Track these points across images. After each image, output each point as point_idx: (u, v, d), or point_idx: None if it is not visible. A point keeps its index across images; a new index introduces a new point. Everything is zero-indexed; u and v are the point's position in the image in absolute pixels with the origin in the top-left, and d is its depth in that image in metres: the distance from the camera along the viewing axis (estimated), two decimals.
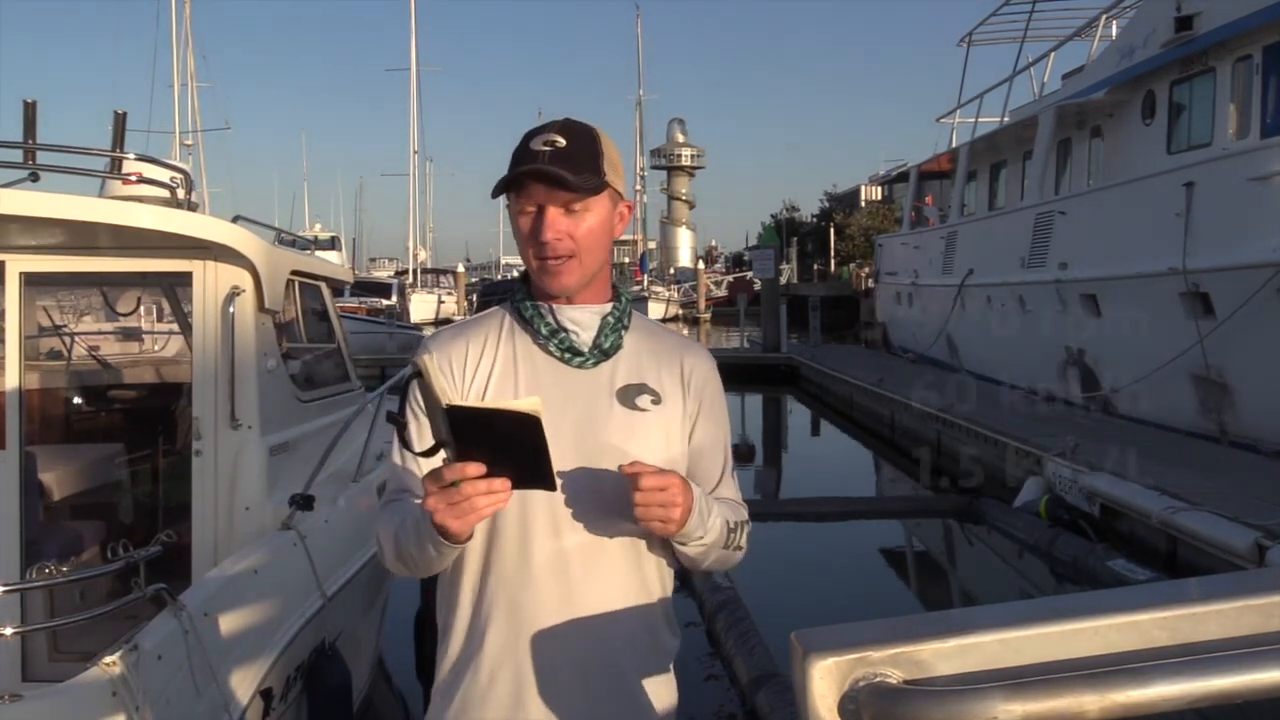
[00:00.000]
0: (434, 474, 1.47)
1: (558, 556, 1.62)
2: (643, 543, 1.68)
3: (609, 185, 1.68)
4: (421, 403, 1.59)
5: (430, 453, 1.50)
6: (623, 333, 1.73)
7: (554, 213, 1.63)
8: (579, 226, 1.65)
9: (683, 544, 1.63)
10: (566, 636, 1.62)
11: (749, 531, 1.76)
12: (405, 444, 1.64)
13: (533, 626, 1.63)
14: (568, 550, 1.62)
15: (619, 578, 1.66)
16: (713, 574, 6.86)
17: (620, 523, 1.63)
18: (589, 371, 1.69)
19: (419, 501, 1.55)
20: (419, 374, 1.48)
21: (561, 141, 1.63)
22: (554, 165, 1.60)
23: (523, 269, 1.82)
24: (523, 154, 1.63)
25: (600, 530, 1.64)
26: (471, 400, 1.64)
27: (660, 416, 1.70)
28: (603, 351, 1.70)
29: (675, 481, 1.54)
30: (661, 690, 1.72)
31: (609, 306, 1.73)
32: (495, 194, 1.67)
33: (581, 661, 1.63)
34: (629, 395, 1.69)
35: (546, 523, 1.63)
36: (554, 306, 1.71)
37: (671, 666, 1.76)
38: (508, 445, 1.41)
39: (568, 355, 1.68)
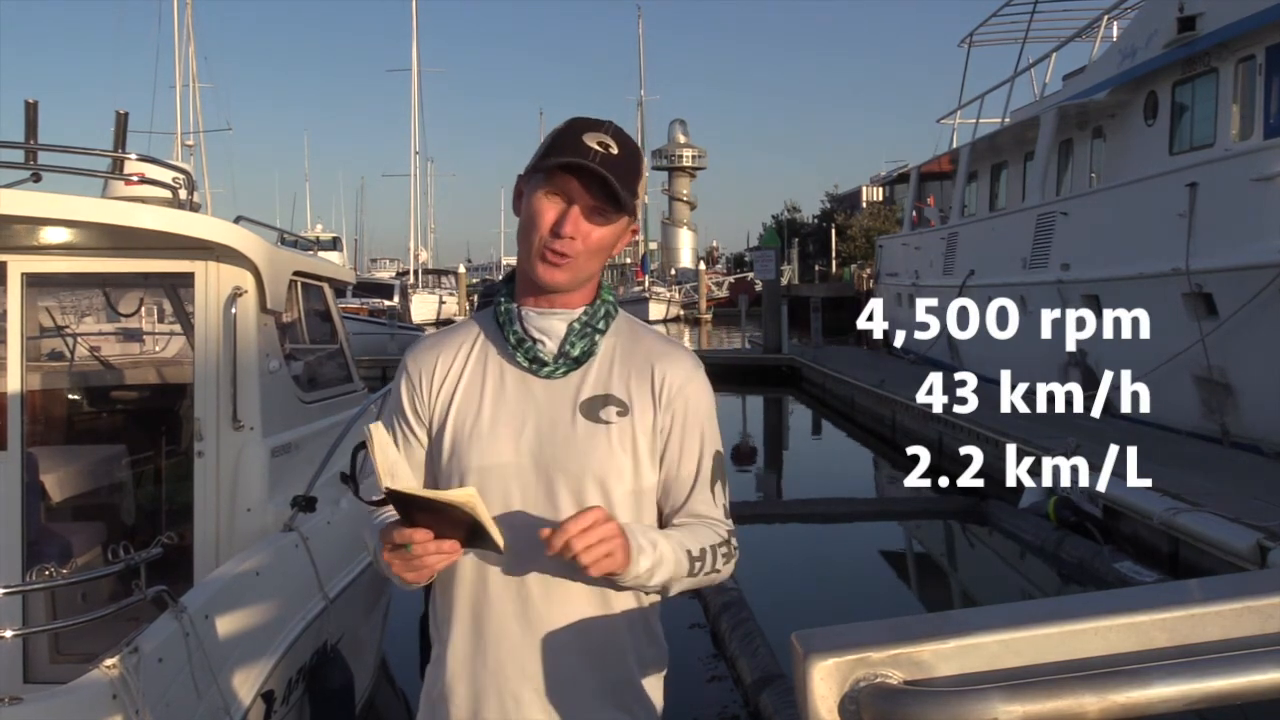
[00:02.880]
0: (386, 532, 1.49)
1: (515, 572, 1.60)
2: None
3: (634, 209, 1.66)
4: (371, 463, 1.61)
5: (383, 503, 1.54)
6: (596, 337, 1.66)
7: (578, 212, 1.60)
8: (593, 234, 1.62)
9: (637, 584, 1.55)
10: (525, 652, 1.61)
11: (728, 552, 1.67)
12: (359, 498, 1.66)
13: (492, 641, 1.62)
14: (525, 566, 1.59)
15: (578, 594, 1.61)
16: None
17: (593, 575, 1.59)
18: (557, 382, 1.65)
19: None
20: (363, 446, 1.55)
21: (615, 149, 1.59)
22: (605, 169, 1.58)
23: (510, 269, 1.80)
24: (575, 145, 1.59)
25: None
26: (437, 412, 1.68)
27: (625, 428, 1.63)
28: (573, 359, 1.65)
29: (599, 514, 1.47)
30: (631, 704, 1.67)
31: (579, 311, 1.67)
32: (537, 169, 1.62)
33: (541, 677, 1.61)
34: (593, 407, 1.63)
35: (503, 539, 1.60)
36: (525, 312, 1.67)
37: (649, 682, 1.70)
38: (450, 518, 1.45)
39: (534, 366, 1.65)
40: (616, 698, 1.65)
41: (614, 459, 1.62)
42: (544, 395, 1.65)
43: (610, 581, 1.59)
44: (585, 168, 1.57)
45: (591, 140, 1.59)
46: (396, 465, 1.64)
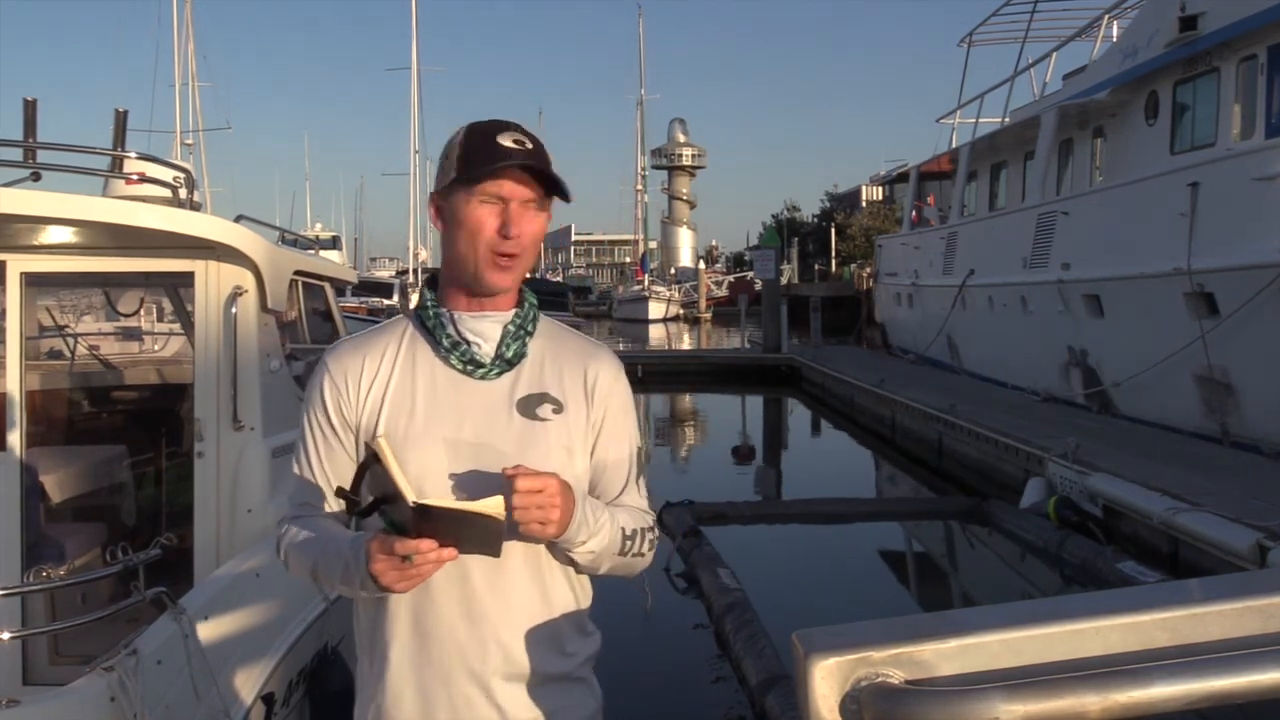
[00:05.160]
0: (384, 544, 1.49)
1: (458, 568, 1.60)
2: (545, 552, 1.67)
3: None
4: (371, 479, 1.60)
5: (367, 512, 1.55)
6: (526, 340, 1.71)
7: (519, 209, 1.65)
8: (531, 227, 1.67)
9: (567, 549, 1.62)
10: (472, 651, 1.63)
11: (654, 539, 1.76)
12: (353, 513, 1.65)
13: (436, 638, 1.64)
14: (467, 561, 1.59)
15: (521, 587, 1.65)
16: (719, 575, 6.86)
17: (521, 534, 1.63)
18: (490, 383, 1.68)
19: (351, 538, 1.60)
20: (376, 458, 1.53)
21: (529, 144, 1.65)
22: (536, 164, 1.63)
23: (431, 272, 1.84)
24: (494, 148, 1.63)
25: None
26: (366, 416, 1.68)
27: (561, 425, 1.68)
28: (506, 361, 1.68)
29: (553, 483, 1.53)
30: (576, 695, 1.72)
31: (511, 314, 1.72)
32: (474, 179, 1.64)
33: (485, 672, 1.63)
34: (529, 405, 1.68)
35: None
36: (456, 315, 1.70)
37: (588, 671, 1.76)
38: (464, 527, 1.47)
39: (470, 368, 1.67)
40: (560, 688, 1.70)
41: (552, 454, 1.66)
42: (479, 396, 1.67)
43: (549, 556, 1.67)
44: (527, 166, 1.62)
45: (507, 140, 1.64)
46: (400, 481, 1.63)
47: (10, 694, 2.77)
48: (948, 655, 0.78)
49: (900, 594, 8.44)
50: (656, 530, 1.78)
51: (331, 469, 1.71)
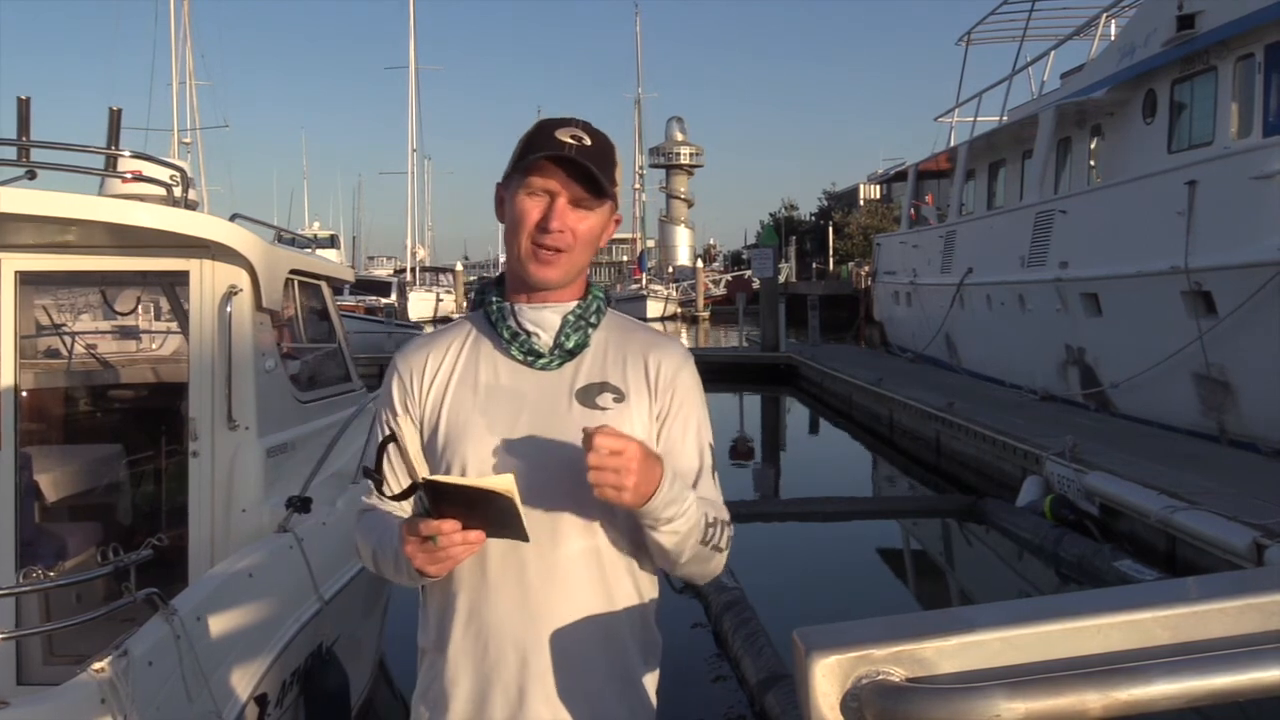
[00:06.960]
0: (411, 525, 1.50)
1: (514, 561, 1.60)
2: (607, 547, 1.65)
3: (615, 196, 1.71)
4: (396, 462, 1.63)
5: (403, 497, 1.56)
6: (589, 330, 1.71)
7: (564, 204, 1.65)
8: (581, 224, 1.66)
9: (652, 527, 1.55)
10: (528, 645, 1.62)
11: (730, 536, 1.69)
12: (381, 494, 1.66)
13: (492, 632, 1.63)
14: (524, 554, 1.59)
15: (579, 582, 1.63)
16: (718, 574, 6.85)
17: (579, 527, 1.62)
18: (551, 373, 1.68)
19: (398, 523, 1.60)
20: (393, 439, 1.55)
21: (588, 140, 1.65)
22: (582, 158, 1.62)
23: (501, 270, 1.83)
24: (548, 141, 1.63)
25: (558, 534, 1.61)
26: (429, 409, 1.71)
27: (622, 415, 1.65)
28: (566, 351, 1.68)
29: (634, 447, 1.46)
30: (631, 697, 1.69)
31: (572, 304, 1.71)
32: (516, 167, 1.66)
33: (544, 670, 1.62)
34: (589, 394, 1.67)
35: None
36: (517, 307, 1.71)
37: (647, 672, 1.72)
38: (483, 507, 1.46)
39: (529, 358, 1.68)
40: (616, 689, 1.67)
41: None
42: (539, 386, 1.67)
43: (606, 557, 1.64)
44: (565, 159, 1.61)
45: (564, 135, 1.64)
46: (420, 463, 1.66)
47: (3, 694, 2.75)
48: (949, 653, 0.78)
49: (897, 592, 8.44)
50: (733, 527, 1.71)
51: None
